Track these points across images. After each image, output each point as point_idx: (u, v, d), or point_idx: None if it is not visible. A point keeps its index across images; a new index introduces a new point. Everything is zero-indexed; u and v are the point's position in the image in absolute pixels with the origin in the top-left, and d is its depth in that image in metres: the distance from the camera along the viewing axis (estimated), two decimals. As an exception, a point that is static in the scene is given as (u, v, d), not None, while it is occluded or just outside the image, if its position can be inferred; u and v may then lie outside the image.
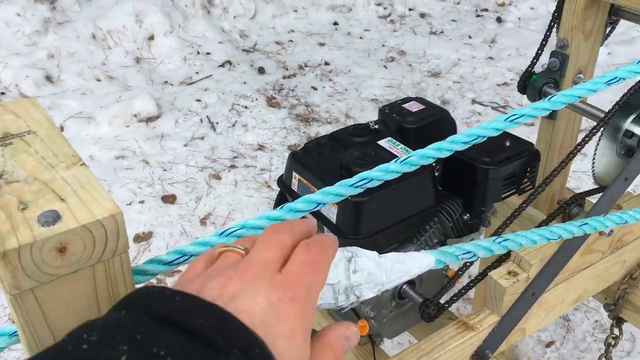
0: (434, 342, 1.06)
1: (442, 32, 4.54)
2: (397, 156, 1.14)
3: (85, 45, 3.83)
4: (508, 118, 0.75)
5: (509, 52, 4.18)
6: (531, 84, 1.39)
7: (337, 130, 1.23)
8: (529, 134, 3.27)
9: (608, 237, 1.20)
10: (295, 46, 4.29)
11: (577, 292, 1.27)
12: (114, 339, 0.36)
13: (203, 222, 2.70)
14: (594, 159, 1.22)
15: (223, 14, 4.41)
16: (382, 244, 1.10)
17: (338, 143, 1.18)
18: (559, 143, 1.48)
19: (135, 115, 3.34)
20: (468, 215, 1.19)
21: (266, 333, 0.40)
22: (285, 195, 1.22)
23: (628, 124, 1.20)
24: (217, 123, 3.38)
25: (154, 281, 2.24)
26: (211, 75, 3.81)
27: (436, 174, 1.21)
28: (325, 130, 3.33)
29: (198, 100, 3.56)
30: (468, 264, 1.13)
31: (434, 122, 1.24)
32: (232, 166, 3.04)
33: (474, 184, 1.13)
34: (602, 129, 1.17)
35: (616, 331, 1.42)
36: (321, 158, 1.15)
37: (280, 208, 0.69)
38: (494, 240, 0.69)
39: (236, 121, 3.40)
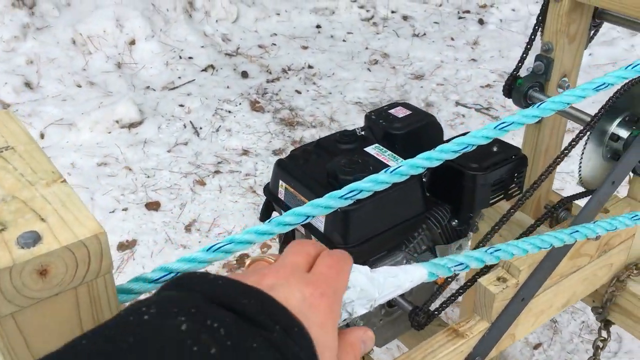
0: (424, 351, 1.05)
1: (424, 34, 4.55)
2: (384, 163, 1.13)
3: (65, 51, 3.78)
4: (498, 126, 0.75)
5: (492, 54, 4.20)
6: (516, 88, 1.39)
7: (323, 137, 1.21)
8: (513, 135, 3.28)
9: (596, 241, 1.20)
10: (278, 50, 4.27)
11: (566, 296, 1.27)
12: (171, 312, 0.40)
13: (188, 229, 2.67)
14: (580, 162, 1.22)
15: (205, 17, 4.38)
16: (370, 252, 1.09)
17: (324, 150, 1.17)
18: (545, 147, 1.48)
19: (117, 121, 3.30)
20: (456, 221, 1.18)
21: (302, 320, 0.44)
22: (271, 203, 1.21)
23: (614, 128, 1.20)
24: (201, 128, 3.35)
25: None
26: (194, 79, 3.78)
27: (424, 179, 1.20)
28: (309, 134, 3.32)
29: (181, 106, 3.53)
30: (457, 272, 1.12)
31: (420, 128, 1.23)
32: (217, 172, 3.02)
33: (462, 190, 1.12)
34: (588, 133, 1.17)
35: (604, 334, 1.42)
36: (308, 166, 1.13)
37: (269, 222, 0.67)
38: (485, 251, 0.68)
39: (220, 126, 3.37)
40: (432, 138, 1.26)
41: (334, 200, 0.69)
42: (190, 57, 3.98)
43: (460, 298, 1.21)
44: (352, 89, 3.79)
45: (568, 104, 0.78)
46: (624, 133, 1.20)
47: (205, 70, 3.90)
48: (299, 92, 3.76)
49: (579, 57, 1.42)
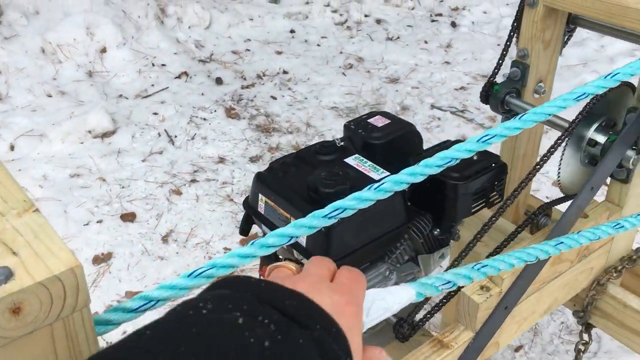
0: (410, 364, 1.04)
1: (398, 37, 4.57)
2: (365, 174, 1.12)
3: (34, 60, 3.70)
4: (481, 139, 0.74)
5: (465, 57, 4.23)
6: (493, 94, 1.39)
7: (302, 149, 1.20)
8: (488, 137, 3.31)
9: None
10: (252, 55, 4.25)
11: (548, 302, 1.27)
12: (227, 308, 0.44)
13: (165, 239, 2.63)
14: (559, 168, 1.22)
15: (177, 24, 4.33)
16: (353, 265, 1.07)
17: (304, 162, 1.15)
18: (522, 151, 1.49)
19: (89, 131, 3.24)
20: (438, 230, 1.18)
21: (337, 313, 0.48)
22: (251, 217, 1.18)
23: (591, 133, 1.21)
24: (176, 136, 3.31)
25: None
26: (167, 87, 3.73)
27: (405, 189, 1.19)
28: (286, 140, 3.30)
29: (155, 114, 3.48)
30: (441, 281, 1.11)
31: (400, 137, 1.23)
32: (193, 180, 2.98)
33: (443, 200, 1.11)
34: (566, 139, 1.18)
35: (585, 337, 1.43)
36: (287, 178, 1.11)
37: (252, 244, 0.65)
38: (472, 267, 0.67)
39: (195, 134, 3.33)
40: (411, 147, 1.25)
41: (318, 219, 0.67)
42: (163, 64, 3.93)
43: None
44: (328, 93, 3.78)
45: (549, 114, 0.78)
46: (601, 138, 1.20)
47: (178, 77, 3.85)
48: (274, 97, 3.74)
49: (554, 62, 1.43)
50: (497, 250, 1.17)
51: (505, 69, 1.42)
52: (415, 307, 1.12)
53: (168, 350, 0.40)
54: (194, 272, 0.63)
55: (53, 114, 3.34)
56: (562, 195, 1.30)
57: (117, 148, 3.18)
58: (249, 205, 1.16)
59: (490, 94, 1.39)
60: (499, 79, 1.43)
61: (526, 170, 1.53)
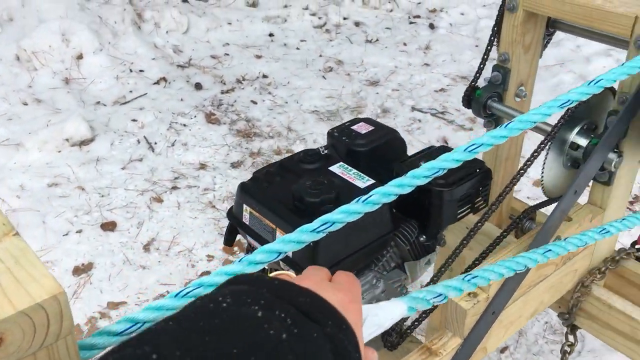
0: (399, 373, 1.04)
1: (377, 40, 4.57)
2: (350, 183, 1.11)
3: (9, 68, 3.63)
4: (468, 148, 0.74)
5: (444, 58, 4.26)
6: (476, 99, 1.39)
7: (286, 158, 1.19)
8: (469, 138, 3.33)
9: (561, 249, 1.21)
10: (231, 60, 4.22)
11: (534, 306, 1.28)
12: (245, 302, 0.46)
13: (146, 248, 2.59)
14: (542, 172, 1.23)
15: (155, 29, 4.29)
16: (340, 274, 1.07)
17: (288, 171, 1.14)
18: (505, 155, 1.49)
19: (67, 140, 3.19)
20: (424, 236, 1.17)
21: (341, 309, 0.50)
22: (235, 228, 1.17)
23: (573, 137, 1.22)
24: (156, 143, 3.27)
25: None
26: (146, 93, 3.69)
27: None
28: (267, 144, 3.28)
29: (134, 120, 3.43)
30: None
31: (384, 144, 1.22)
32: (174, 187, 2.95)
33: (429, 207, 1.11)
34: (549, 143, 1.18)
35: (571, 338, 1.44)
36: (272, 188, 1.10)
37: (240, 261, 0.64)
38: (463, 279, 0.67)
39: (175, 140, 3.30)
40: (396, 153, 1.25)
41: (307, 234, 0.66)
42: (141, 70, 3.89)
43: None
44: (308, 97, 3.77)
45: (535, 122, 0.78)
46: (583, 141, 1.21)
47: (157, 83, 3.81)
48: (254, 102, 3.72)
49: (535, 66, 1.44)
50: (483, 255, 1.17)
51: (486, 72, 1.42)
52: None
53: (194, 339, 0.42)
54: (181, 292, 0.61)
55: (29, 123, 3.28)
56: (544, 196, 1.31)
57: (95, 156, 3.14)
58: (233, 215, 1.15)
59: (473, 98, 1.40)
60: (480, 83, 1.43)
61: (509, 173, 1.54)
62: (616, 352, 1.41)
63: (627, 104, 1.14)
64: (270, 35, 4.61)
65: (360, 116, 3.56)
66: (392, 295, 1.17)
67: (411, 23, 4.86)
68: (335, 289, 0.54)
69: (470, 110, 1.44)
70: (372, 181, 1.10)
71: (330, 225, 0.67)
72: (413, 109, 3.63)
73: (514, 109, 1.38)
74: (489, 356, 2.04)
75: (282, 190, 1.08)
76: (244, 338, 0.42)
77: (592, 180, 1.26)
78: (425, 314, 1.12)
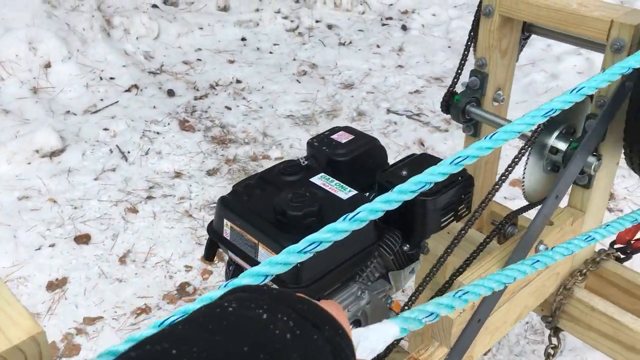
0: (387, 386, 1.02)
1: (350, 42, 4.57)
2: (332, 194, 1.09)
3: (-26, 78, 3.53)
4: (453, 161, 0.72)
5: (417, 60, 4.27)
6: (454, 105, 1.39)
7: (266, 170, 1.16)
8: (445, 140, 3.35)
9: (544, 254, 1.21)
10: (204, 65, 4.17)
11: (518, 311, 1.28)
12: (250, 306, 0.48)
13: (122, 260, 2.54)
14: (523, 178, 1.23)
15: (124, 35, 4.22)
16: (324, 288, 1.05)
17: (269, 183, 1.12)
18: (485, 159, 1.49)
19: (37, 151, 3.11)
20: (408, 246, 1.16)
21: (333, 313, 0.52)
22: (216, 243, 1.14)
23: (553, 141, 1.22)
24: (129, 152, 3.21)
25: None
26: (117, 101, 3.62)
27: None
28: (243, 151, 3.25)
29: (105, 129, 3.37)
30: (414, 298, 1.10)
31: (365, 153, 1.21)
32: (149, 197, 2.90)
33: (412, 216, 1.10)
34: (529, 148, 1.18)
35: (554, 341, 1.45)
36: (253, 202, 1.08)
37: (225, 286, 0.62)
38: (453, 296, 0.65)
39: (149, 149, 3.24)
40: (377, 162, 1.24)
41: (293, 255, 0.64)
42: (111, 78, 3.82)
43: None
44: (283, 101, 3.75)
45: (519, 132, 0.77)
46: (562, 145, 1.22)
47: (128, 90, 3.75)
48: (228, 108, 3.68)
49: (512, 70, 1.44)
50: (467, 262, 1.16)
51: (463, 77, 1.42)
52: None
53: (207, 338, 0.44)
54: (164, 321, 0.59)
55: (-3, 134, 3.19)
56: (520, 195, 1.31)
57: (67, 167, 3.07)
58: (214, 230, 1.12)
59: (451, 104, 1.39)
60: (458, 88, 1.43)
61: (489, 177, 1.54)
62: (597, 350, 1.42)
63: (605, 107, 1.15)
64: (243, 39, 4.58)
65: (336, 120, 3.55)
66: (377, 307, 1.16)
67: (383, 25, 4.87)
68: (324, 303, 0.56)
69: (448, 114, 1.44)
70: (354, 192, 1.09)
71: (317, 245, 0.65)
72: (388, 111, 3.64)
73: (492, 113, 1.38)
74: (472, 359, 2.04)
75: (263, 203, 1.06)
76: (252, 338, 0.45)
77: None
78: (411, 324, 1.11)
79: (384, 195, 0.69)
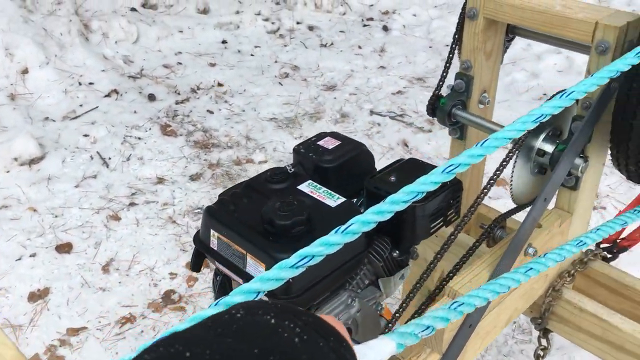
0: (380, 395, 1.01)
1: (332, 44, 4.56)
2: (320, 202, 1.08)
3: (-51, 85, 3.46)
4: (445, 169, 0.71)
5: (399, 60, 4.28)
6: (440, 108, 1.38)
7: (252, 178, 1.14)
8: (428, 140, 3.35)
9: (533, 257, 1.21)
10: (184, 69, 4.13)
11: (508, 314, 1.27)
12: (257, 313, 0.49)
13: (105, 269, 2.50)
14: (511, 181, 1.22)
15: (103, 39, 4.16)
16: (314, 298, 1.03)
17: (255, 192, 1.10)
18: (471, 162, 1.49)
19: (15, 159, 3.05)
20: (397, 252, 1.15)
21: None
22: (202, 253, 1.12)
23: (539, 143, 1.22)
24: (110, 158, 3.16)
25: None
26: (97, 106, 3.57)
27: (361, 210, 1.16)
28: (226, 155, 3.22)
29: (85, 136, 3.32)
30: (405, 305, 1.09)
31: (352, 158, 1.20)
32: (132, 204, 2.86)
33: (402, 223, 1.09)
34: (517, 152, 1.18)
35: (544, 342, 1.45)
36: (240, 211, 1.06)
37: (216, 304, 0.60)
38: (449, 307, 0.64)
39: (130, 154, 3.20)
40: (364, 167, 1.22)
41: (285, 270, 0.63)
42: (90, 83, 3.76)
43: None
44: (266, 104, 3.73)
45: (510, 138, 0.76)
46: (549, 148, 1.21)
47: (108, 95, 3.69)
48: (211, 112, 3.65)
49: (496, 71, 1.44)
50: (457, 267, 1.16)
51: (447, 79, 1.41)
52: (380, 333, 1.09)
53: (218, 341, 0.45)
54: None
55: (-27, 142, 3.13)
56: (502, 193, 1.30)
57: (46, 175, 3.01)
58: (200, 240, 1.10)
59: (437, 107, 1.39)
60: (444, 91, 1.42)
61: (476, 179, 1.54)
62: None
63: (591, 109, 1.15)
64: (224, 42, 4.54)
65: (319, 122, 3.54)
66: (367, 314, 1.14)
67: (365, 26, 4.87)
68: (324, 316, 0.56)
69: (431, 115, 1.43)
70: (342, 199, 1.07)
71: (310, 260, 0.63)
72: (372, 112, 3.63)
73: (478, 116, 1.37)
74: (461, 360, 2.04)
75: (250, 212, 1.04)
76: (262, 341, 0.46)
77: (558, 185, 1.26)
78: (403, 331, 1.10)
79: (377, 206, 0.68)
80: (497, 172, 1.14)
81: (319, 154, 1.19)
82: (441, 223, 1.13)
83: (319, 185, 1.10)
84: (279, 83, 3.99)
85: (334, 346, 0.50)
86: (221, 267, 1.06)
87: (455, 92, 1.40)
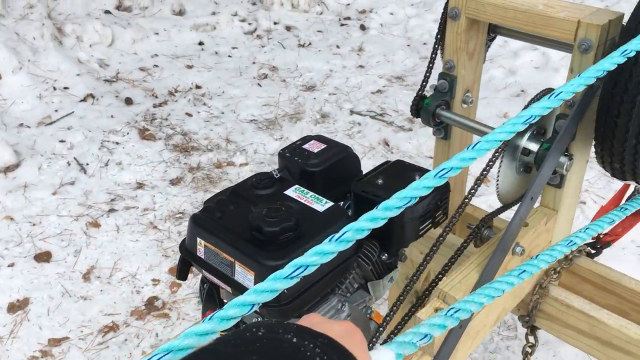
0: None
1: (310, 44, 4.55)
2: (308, 207, 1.06)
3: None
4: (437, 174, 0.71)
5: (377, 59, 4.28)
6: (424, 108, 1.38)
7: (238, 184, 1.13)
8: (409, 139, 3.36)
9: (520, 255, 1.21)
10: (161, 71, 4.09)
11: (497, 313, 1.27)
12: (278, 332, 0.51)
13: (86, 277, 2.45)
14: (497, 181, 1.22)
15: (77, 43, 4.10)
16: (304, 305, 1.02)
17: (242, 198, 1.09)
18: (456, 161, 1.49)
19: (-10, 167, 2.98)
20: (386, 255, 1.14)
21: (346, 342, 0.54)
22: (188, 262, 1.10)
23: (524, 142, 1.22)
24: (88, 164, 3.11)
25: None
26: (73, 112, 3.51)
27: (349, 213, 1.15)
28: (207, 158, 3.19)
29: (62, 141, 3.26)
30: (395, 308, 1.08)
31: (338, 162, 1.19)
32: (111, 210, 2.81)
33: (390, 226, 1.08)
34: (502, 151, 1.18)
35: (531, 339, 1.45)
36: (226, 218, 1.04)
37: (210, 319, 0.58)
38: (445, 315, 0.64)
39: (109, 160, 3.15)
40: (350, 170, 1.22)
41: (280, 281, 0.61)
42: (65, 87, 3.69)
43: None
44: (245, 106, 3.70)
45: (500, 141, 0.76)
46: (534, 147, 1.22)
47: (84, 100, 3.63)
48: (189, 114, 3.61)
49: (479, 71, 1.44)
50: (445, 268, 1.15)
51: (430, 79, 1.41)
52: (372, 337, 1.08)
53: (243, 358, 0.46)
54: (151, 357, 0.55)
55: (-54, 151, 3.05)
56: (485, 191, 1.31)
57: (23, 182, 2.95)
58: (186, 249, 1.08)
59: (421, 107, 1.38)
60: (427, 91, 1.42)
61: (461, 179, 1.54)
62: (570, 343, 1.43)
63: (575, 107, 1.15)
64: (200, 43, 4.50)
65: (299, 123, 3.53)
66: (357, 318, 1.14)
67: (342, 25, 4.87)
68: (336, 322, 0.59)
69: (408, 111, 1.42)
70: (330, 203, 1.06)
71: (304, 270, 0.62)
72: (352, 112, 3.63)
73: (462, 116, 1.37)
74: None
75: (237, 220, 1.03)
76: (285, 358, 0.47)
77: (543, 183, 1.27)
78: (393, 333, 1.09)
79: (370, 213, 0.67)
80: (484, 172, 1.14)
81: (305, 157, 1.17)
82: (430, 225, 1.13)
83: (306, 190, 1.09)
84: (258, 84, 3.96)
85: None
86: (209, 275, 1.04)
87: (439, 93, 1.39)
